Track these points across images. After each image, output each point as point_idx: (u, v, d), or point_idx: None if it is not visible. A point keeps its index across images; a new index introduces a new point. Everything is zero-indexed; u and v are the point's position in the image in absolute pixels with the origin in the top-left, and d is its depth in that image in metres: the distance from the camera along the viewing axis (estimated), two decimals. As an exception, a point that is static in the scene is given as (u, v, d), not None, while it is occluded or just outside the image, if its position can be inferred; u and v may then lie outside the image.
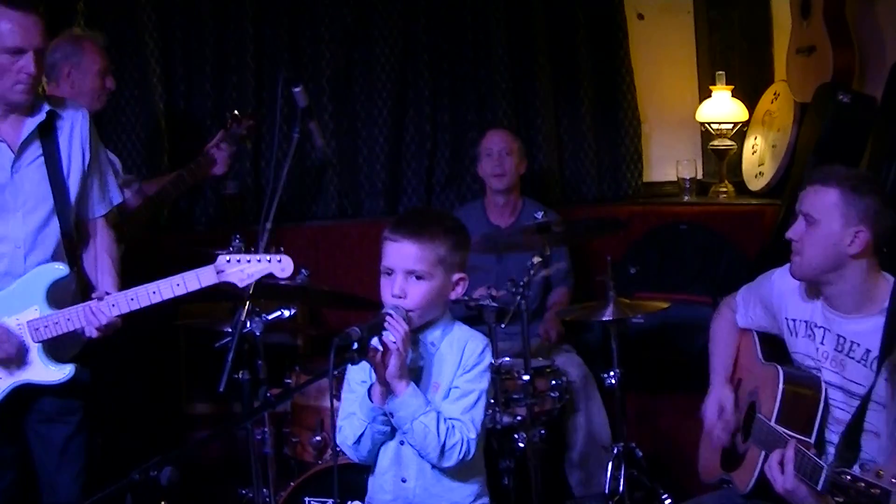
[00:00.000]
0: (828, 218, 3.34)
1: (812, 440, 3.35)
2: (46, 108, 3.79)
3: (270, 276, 3.72)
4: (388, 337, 3.02)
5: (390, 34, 6.24)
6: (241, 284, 3.71)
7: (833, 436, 3.40)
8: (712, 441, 3.84)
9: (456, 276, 3.21)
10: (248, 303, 4.02)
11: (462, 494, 3.26)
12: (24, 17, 3.61)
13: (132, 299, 3.69)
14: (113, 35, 5.71)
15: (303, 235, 5.92)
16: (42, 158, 3.79)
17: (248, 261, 3.69)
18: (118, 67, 5.57)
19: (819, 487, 2.86)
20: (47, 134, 3.80)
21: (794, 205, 3.48)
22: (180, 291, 3.67)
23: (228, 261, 3.67)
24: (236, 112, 5.24)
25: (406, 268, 3.11)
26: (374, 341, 3.01)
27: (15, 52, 3.62)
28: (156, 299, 3.68)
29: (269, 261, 3.70)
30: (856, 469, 2.72)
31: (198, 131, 5.95)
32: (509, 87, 6.37)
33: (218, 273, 3.67)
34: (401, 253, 3.13)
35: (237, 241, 3.80)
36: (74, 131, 3.87)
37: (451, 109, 6.36)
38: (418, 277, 3.12)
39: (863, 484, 2.66)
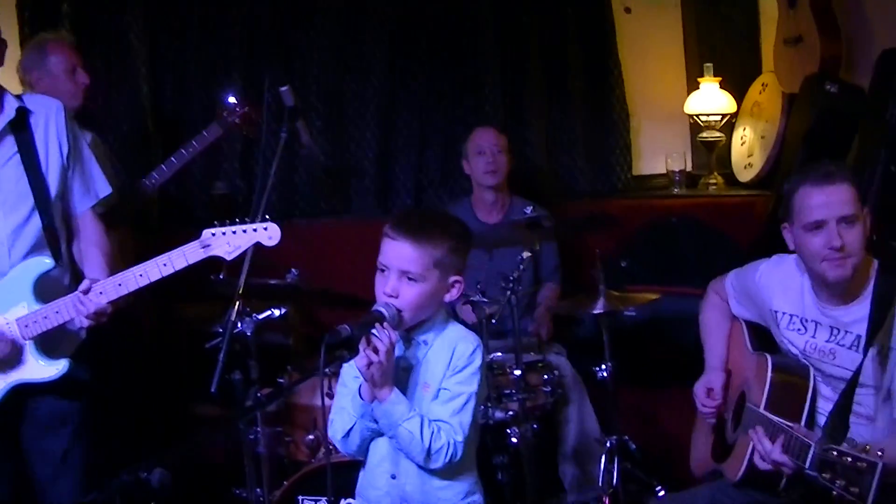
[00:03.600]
0: (862, 213, 3.35)
1: (802, 425, 3.36)
2: (16, 104, 3.75)
3: (258, 245, 3.66)
4: (373, 346, 3.01)
5: (380, 32, 6.25)
6: (228, 257, 3.63)
7: (823, 420, 3.42)
8: (705, 425, 3.86)
9: (452, 279, 3.18)
10: (238, 303, 4.01)
11: (453, 492, 3.25)
12: None
13: (119, 284, 3.62)
14: (99, 36, 5.71)
15: (293, 234, 5.82)
16: (18, 155, 3.74)
17: (234, 232, 3.61)
18: (105, 68, 5.57)
19: (807, 465, 2.88)
20: (21, 130, 3.75)
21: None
22: (168, 271, 3.58)
23: (213, 234, 3.60)
24: (232, 99, 5.19)
25: (401, 268, 3.09)
26: (361, 348, 2.99)
27: None
28: (143, 282, 3.59)
29: (255, 230, 3.62)
30: (844, 446, 2.73)
31: (186, 132, 5.92)
32: (499, 83, 6.38)
33: (203, 248, 3.61)
34: (397, 252, 3.11)
35: None
36: (50, 125, 3.82)
37: (441, 107, 6.36)
38: (411, 279, 3.09)
39: (849, 458, 2.68)
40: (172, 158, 5.11)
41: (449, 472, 3.21)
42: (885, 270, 3.40)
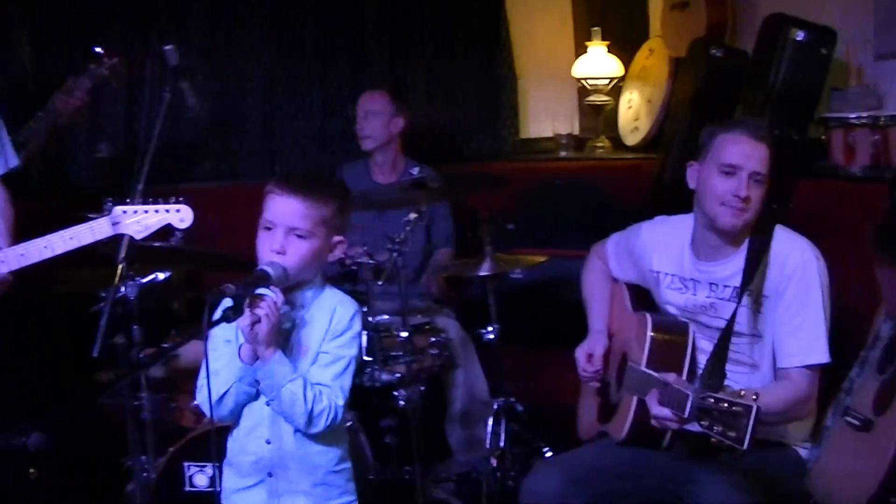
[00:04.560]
0: (768, 181, 3.44)
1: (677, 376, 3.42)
2: None
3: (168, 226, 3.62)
4: (261, 304, 2.98)
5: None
6: (138, 237, 3.60)
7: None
8: (591, 387, 3.90)
9: (336, 239, 3.18)
10: (120, 266, 3.94)
11: (325, 459, 3.24)
12: None
13: (22, 255, 3.56)
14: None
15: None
16: None
17: (146, 211, 3.57)
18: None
19: (685, 414, 2.95)
20: None
21: (674, 157, 3.53)
22: (73, 245, 3.54)
23: (125, 212, 3.55)
24: (99, 49, 4.97)
25: (289, 224, 3.06)
26: (247, 307, 2.96)
27: None
28: (48, 254, 3.54)
29: (168, 210, 3.59)
30: (720, 393, 2.80)
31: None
32: (384, 45, 6.36)
33: (113, 225, 3.56)
34: (286, 208, 3.07)
35: (109, 204, 3.68)
36: None
37: (326, 69, 6.30)
38: (300, 236, 3.07)
39: (725, 403, 2.74)
40: (40, 114, 4.96)
41: (326, 437, 3.19)
42: (760, 226, 3.49)
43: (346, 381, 3.16)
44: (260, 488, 3.23)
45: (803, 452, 3.50)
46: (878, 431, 3.11)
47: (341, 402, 3.14)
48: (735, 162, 3.39)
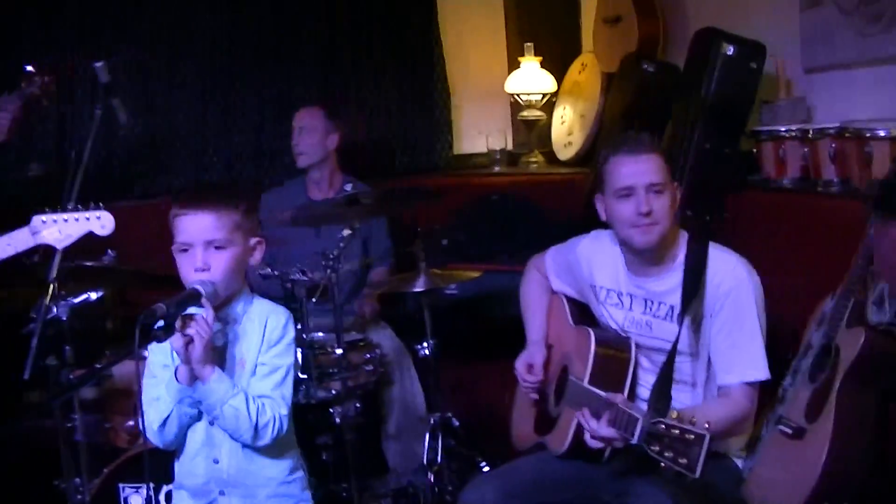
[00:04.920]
0: (671, 184, 3.46)
1: (625, 397, 3.42)
2: None
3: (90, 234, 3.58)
4: (191, 324, 2.97)
5: (198, 8, 6.12)
6: (59, 246, 3.56)
7: (644, 391, 3.50)
8: (527, 399, 3.91)
9: (253, 241, 3.19)
10: (52, 286, 3.89)
11: (277, 470, 3.23)
12: None
13: None
14: None
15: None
16: None
17: (66, 220, 3.53)
18: None
19: (635, 439, 2.92)
20: None
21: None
22: None
23: (44, 221, 3.51)
24: (30, 67, 4.91)
25: (206, 238, 3.06)
26: (178, 329, 2.94)
27: None
28: None
29: (88, 218, 3.55)
30: (670, 419, 2.78)
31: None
32: (317, 61, 6.35)
33: (33, 235, 3.51)
34: (198, 225, 3.07)
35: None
36: None
37: (257, 85, 6.27)
38: (218, 247, 3.07)
39: (677, 431, 2.73)
40: None
41: (274, 449, 3.19)
42: (695, 242, 3.51)
43: (287, 390, 3.16)
44: (213, 507, 3.22)
45: (739, 462, 3.53)
46: (811, 438, 3.15)
47: (285, 411, 3.13)
48: (627, 184, 3.41)
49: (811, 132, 4.42)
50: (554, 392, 3.79)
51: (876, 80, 4.42)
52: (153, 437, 3.19)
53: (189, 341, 2.95)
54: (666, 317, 3.50)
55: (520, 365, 3.86)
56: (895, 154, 3.61)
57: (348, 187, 4.75)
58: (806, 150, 4.47)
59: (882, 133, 3.87)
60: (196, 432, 3.18)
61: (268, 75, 6.28)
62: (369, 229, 5.36)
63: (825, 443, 3.08)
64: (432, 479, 4.65)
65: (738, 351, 3.41)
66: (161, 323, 2.87)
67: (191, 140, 6.17)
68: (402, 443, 5.08)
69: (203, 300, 2.99)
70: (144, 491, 4.01)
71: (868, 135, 3.93)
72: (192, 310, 2.98)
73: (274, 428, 3.11)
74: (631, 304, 3.62)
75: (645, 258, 3.52)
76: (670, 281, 3.48)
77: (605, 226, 3.71)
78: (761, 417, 3.49)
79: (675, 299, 3.44)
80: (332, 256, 4.36)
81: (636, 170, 3.40)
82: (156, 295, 3.64)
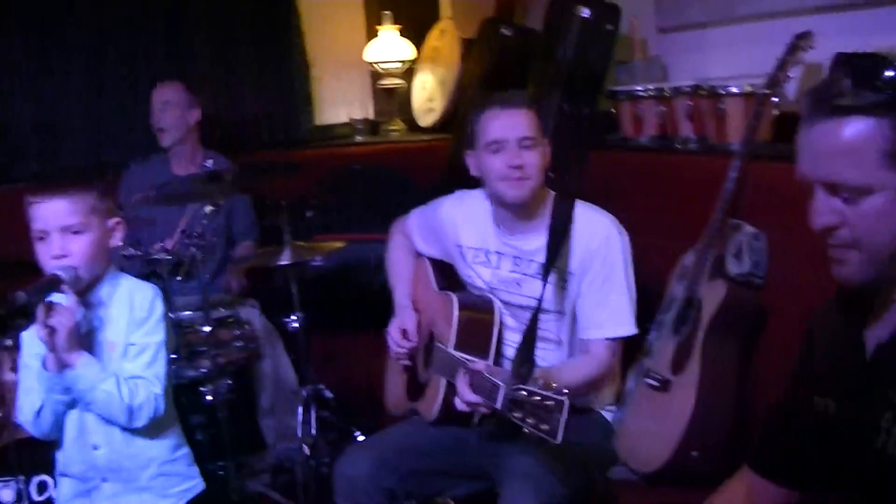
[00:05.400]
0: (542, 140, 3.50)
1: (490, 360, 3.45)
2: None
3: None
4: (53, 312, 2.92)
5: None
6: None
7: (512, 351, 3.52)
8: (398, 366, 3.91)
9: (111, 222, 3.17)
10: None
11: (159, 449, 3.22)
12: None
13: None
14: None
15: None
16: None
17: None
18: None
19: (497, 406, 2.93)
20: None
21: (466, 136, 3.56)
22: None
23: None
24: None
25: (62, 224, 3.02)
26: (40, 318, 2.89)
27: None
28: None
29: None
30: (531, 384, 2.79)
31: None
32: (172, 36, 6.21)
33: None
34: (52, 211, 3.03)
35: None
36: None
37: (111, 61, 6.13)
38: (76, 232, 3.03)
39: (538, 397, 2.74)
40: None
41: (153, 429, 3.17)
42: (560, 201, 3.55)
43: (160, 368, 3.14)
44: (96, 494, 3.19)
45: (609, 416, 3.58)
46: (677, 390, 3.22)
47: (159, 390, 3.11)
48: (498, 137, 3.43)
49: (667, 91, 4.48)
50: (423, 358, 3.80)
51: (728, 39, 4.48)
52: (30, 427, 3.17)
53: (52, 330, 2.90)
54: (535, 275, 3.53)
55: (393, 330, 3.86)
56: (749, 110, 3.66)
57: (209, 163, 4.68)
58: (662, 108, 4.52)
59: (735, 90, 3.93)
60: (73, 420, 3.16)
61: (125, 52, 6.13)
62: (231, 204, 5.31)
63: (691, 393, 3.15)
64: (308, 452, 4.64)
65: (604, 308, 3.46)
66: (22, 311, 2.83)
67: (38, 125, 5.97)
68: (276, 418, 5.05)
69: (64, 286, 2.95)
70: (14, 484, 3.94)
71: (722, 92, 3.99)
72: (55, 297, 2.93)
73: (150, 408, 3.09)
74: (499, 262, 3.64)
75: (515, 214, 3.54)
76: (539, 239, 3.51)
77: (469, 187, 3.73)
78: (629, 371, 3.55)
79: (543, 257, 3.47)
80: (195, 234, 4.32)
81: (508, 123, 3.43)
82: (14, 283, 3.58)
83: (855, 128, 1.81)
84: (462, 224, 3.76)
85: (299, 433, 4.72)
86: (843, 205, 1.86)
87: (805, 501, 2.28)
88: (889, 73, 1.78)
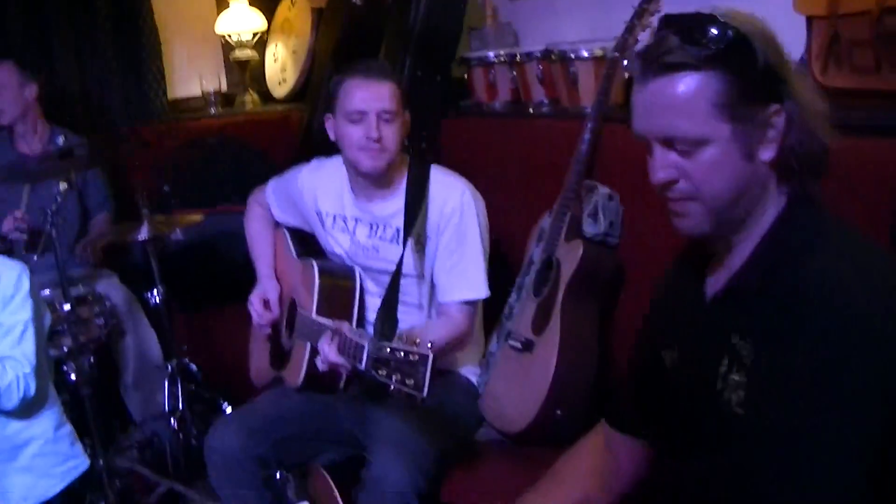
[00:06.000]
0: (403, 113, 3.53)
1: (353, 324, 3.49)
2: None
3: None
4: None
5: None
6: None
7: (373, 316, 3.56)
8: (261, 335, 3.94)
9: None
10: None
11: (41, 429, 3.20)
12: None
13: None
14: None
15: None
16: None
17: None
18: None
19: (363, 365, 2.95)
20: None
21: (320, 106, 3.59)
22: None
23: None
24: None
25: None
26: None
27: None
28: None
29: None
30: (395, 343, 2.81)
31: None
32: (20, 13, 6.09)
33: None
34: None
35: None
36: None
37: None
38: None
39: (402, 353, 2.77)
40: None
41: (29, 408, 3.13)
42: (416, 166, 3.59)
43: (29, 347, 3.11)
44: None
45: (473, 378, 3.65)
46: (539, 350, 3.30)
47: (28, 369, 3.08)
48: (359, 108, 3.45)
49: (519, 56, 4.54)
50: (285, 326, 3.83)
51: (578, 4, 4.56)
52: None
53: None
54: (392, 239, 3.57)
55: (255, 300, 3.89)
56: (599, 74, 3.74)
57: (59, 140, 4.62)
58: (515, 74, 4.58)
59: (585, 54, 4.00)
60: (-57, 405, 3.11)
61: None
62: (84, 180, 5.23)
63: (553, 352, 3.23)
64: (176, 426, 4.63)
65: (458, 271, 3.51)
66: None
67: None
68: (141, 393, 5.04)
69: None
70: None
71: (573, 56, 4.05)
72: None
73: (20, 388, 3.06)
74: (356, 227, 3.67)
75: (370, 182, 3.57)
76: (395, 204, 3.55)
77: (325, 153, 3.76)
78: (491, 334, 3.63)
79: (401, 222, 3.51)
80: (49, 212, 4.27)
81: (370, 95, 3.44)
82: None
83: (685, 82, 1.88)
84: (320, 191, 3.78)
85: (167, 408, 4.71)
86: (680, 158, 1.93)
87: (660, 452, 2.35)
88: (713, 30, 1.86)
